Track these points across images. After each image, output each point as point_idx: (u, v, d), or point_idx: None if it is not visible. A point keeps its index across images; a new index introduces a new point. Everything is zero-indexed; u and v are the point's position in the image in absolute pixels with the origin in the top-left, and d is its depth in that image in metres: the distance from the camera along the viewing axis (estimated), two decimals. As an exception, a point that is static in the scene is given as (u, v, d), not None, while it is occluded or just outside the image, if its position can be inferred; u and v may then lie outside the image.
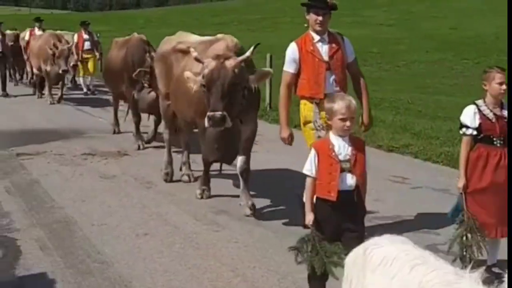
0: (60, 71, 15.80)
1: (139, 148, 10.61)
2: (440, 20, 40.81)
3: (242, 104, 6.46)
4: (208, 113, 6.04)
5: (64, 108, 15.92)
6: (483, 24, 35.74)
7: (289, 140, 6.31)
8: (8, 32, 21.36)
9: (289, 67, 6.20)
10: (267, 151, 10.05)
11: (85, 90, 19.26)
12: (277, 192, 7.81)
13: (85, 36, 19.24)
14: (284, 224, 6.67)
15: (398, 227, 6.60)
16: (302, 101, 6.27)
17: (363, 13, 57.21)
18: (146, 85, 9.97)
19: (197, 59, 6.40)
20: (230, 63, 6.22)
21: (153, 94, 9.79)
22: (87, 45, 19.10)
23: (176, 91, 7.76)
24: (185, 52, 7.40)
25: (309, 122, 6.13)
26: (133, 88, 10.41)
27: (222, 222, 6.76)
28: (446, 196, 7.15)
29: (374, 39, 33.84)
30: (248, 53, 6.40)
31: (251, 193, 7.31)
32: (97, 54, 19.37)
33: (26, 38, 20.08)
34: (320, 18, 6.06)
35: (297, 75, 6.17)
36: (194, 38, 8.02)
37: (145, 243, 6.13)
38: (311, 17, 6.12)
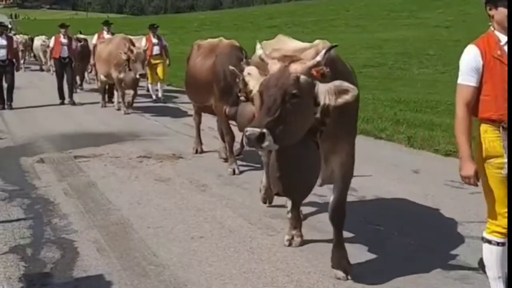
0: (137, 76, 14.62)
1: (234, 173, 9.19)
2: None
3: (304, 123, 4.69)
4: (246, 128, 4.51)
5: (120, 111, 16.09)
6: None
7: (475, 179, 4.61)
8: (81, 36, 21.40)
9: (468, 79, 4.61)
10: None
11: (153, 97, 18.52)
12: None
13: (154, 40, 18.31)
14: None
15: (458, 233, 6.49)
16: (483, 127, 4.63)
17: (420, 15, 56.59)
18: (242, 97, 8.08)
19: (262, 59, 5.08)
20: (295, 67, 4.69)
21: (252, 108, 8.01)
22: (156, 49, 18.21)
23: None
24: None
25: (493, 157, 4.54)
26: (225, 102, 9.08)
27: (277, 226, 6.73)
28: (506, 202, 6.97)
29: (430, 41, 33.53)
30: (318, 58, 4.72)
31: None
32: (166, 59, 18.53)
33: (94, 42, 19.09)
34: None
35: (478, 90, 4.58)
36: (292, 44, 6.21)
37: (200, 246, 6.14)
38: (500, 12, 4.49)
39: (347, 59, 5.89)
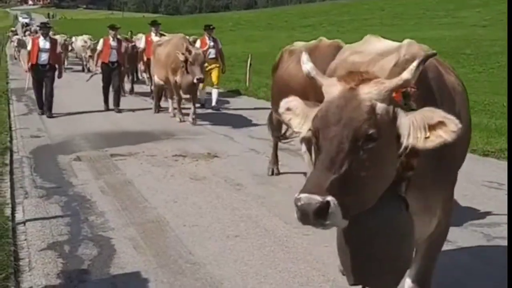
0: (195, 80, 13.04)
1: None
2: (537, 20, 39.39)
3: (386, 178, 3.12)
4: (296, 196, 2.96)
5: (150, 105, 16.15)
6: None
7: None
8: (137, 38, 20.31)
9: None
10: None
11: (202, 103, 16.81)
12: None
13: (210, 43, 16.29)
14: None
15: (495, 234, 6.41)
16: None
17: (457, 14, 55.98)
18: None
19: (311, 77, 3.47)
20: (367, 90, 3.07)
21: None
22: (211, 53, 16.20)
23: None
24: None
25: None
26: None
27: (312, 226, 6.69)
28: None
29: (467, 40, 33.13)
30: (407, 75, 3.07)
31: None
32: (221, 63, 16.79)
33: (142, 45, 17.80)
34: None
35: None
36: (379, 45, 4.42)
37: (235, 245, 6.15)
38: None
39: None
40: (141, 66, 18.59)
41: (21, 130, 13.02)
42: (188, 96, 14.14)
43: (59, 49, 16.07)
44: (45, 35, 15.28)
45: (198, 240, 6.29)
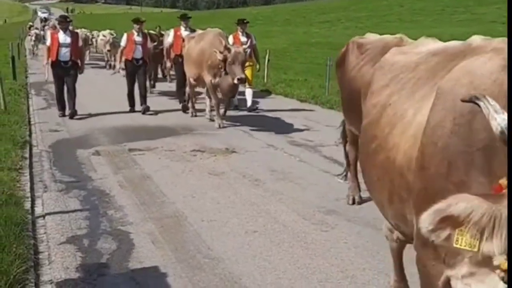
0: (236, 81, 11.62)
1: None
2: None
3: None
4: None
5: (173, 105, 16.17)
6: None
7: None
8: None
9: None
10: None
11: (236, 103, 15.32)
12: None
13: (243, 38, 14.72)
14: (395, 226, 6.52)
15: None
16: None
17: (476, 11, 55.60)
18: None
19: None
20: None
21: None
22: None
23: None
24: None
25: None
26: None
27: (331, 222, 6.69)
28: None
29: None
30: None
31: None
32: (255, 61, 15.02)
33: (170, 40, 15.60)
34: None
35: None
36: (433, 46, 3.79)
37: (254, 241, 6.14)
38: None
39: None
40: (167, 63, 16.71)
41: (40, 124, 13.10)
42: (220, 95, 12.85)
43: (80, 43, 14.63)
44: (65, 29, 14.08)
45: (217, 235, 6.29)
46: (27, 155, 9.91)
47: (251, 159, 9.74)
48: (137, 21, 15.23)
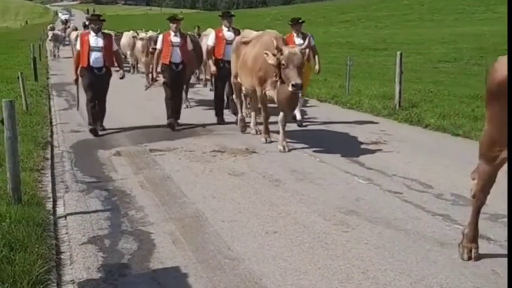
0: (290, 88, 9.60)
1: None
2: None
3: None
4: None
5: (193, 106, 16.21)
6: None
7: None
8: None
9: None
10: (397, 152, 10.02)
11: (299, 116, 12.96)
12: (408, 194, 7.64)
13: (298, 40, 12.60)
14: (416, 226, 6.49)
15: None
16: None
17: (497, 9, 55.19)
18: None
19: None
20: None
21: None
22: None
23: None
24: None
25: None
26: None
27: (351, 222, 6.66)
28: None
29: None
30: None
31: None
32: (314, 64, 13.12)
33: (211, 43, 13.34)
34: None
35: None
36: None
37: (274, 241, 6.13)
38: None
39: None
40: (211, 68, 13.50)
41: (62, 125, 13.20)
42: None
43: (115, 46, 12.95)
44: (97, 30, 12.14)
45: (237, 236, 6.29)
46: (48, 155, 10.00)
47: (271, 160, 9.73)
48: (173, 19, 13.12)
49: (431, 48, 37.60)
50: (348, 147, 10.44)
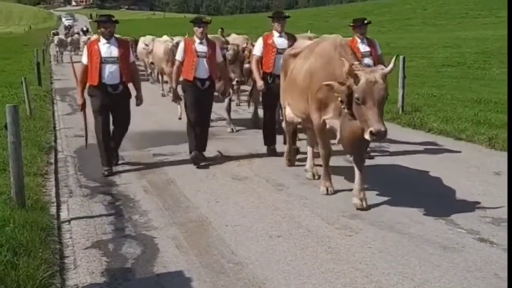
0: (367, 135, 6.53)
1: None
2: None
3: None
4: None
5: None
6: None
7: None
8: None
9: None
10: (400, 156, 10.04)
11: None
12: (412, 198, 7.63)
13: (363, 48, 9.98)
14: (420, 230, 6.49)
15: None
16: None
17: (500, 14, 55.18)
18: None
19: None
20: None
21: None
22: (366, 61, 9.44)
23: None
24: None
25: None
26: None
27: (355, 226, 6.66)
28: None
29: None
30: None
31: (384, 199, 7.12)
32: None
33: (258, 53, 10.27)
34: None
35: None
36: None
37: (278, 245, 6.13)
38: None
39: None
40: (258, 83, 10.34)
41: (65, 129, 13.23)
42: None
43: (132, 57, 9.61)
44: (109, 35, 9.14)
45: (241, 240, 6.30)
46: (52, 160, 10.02)
47: (275, 164, 9.73)
48: (199, 22, 9.84)
49: (434, 53, 37.58)
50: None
